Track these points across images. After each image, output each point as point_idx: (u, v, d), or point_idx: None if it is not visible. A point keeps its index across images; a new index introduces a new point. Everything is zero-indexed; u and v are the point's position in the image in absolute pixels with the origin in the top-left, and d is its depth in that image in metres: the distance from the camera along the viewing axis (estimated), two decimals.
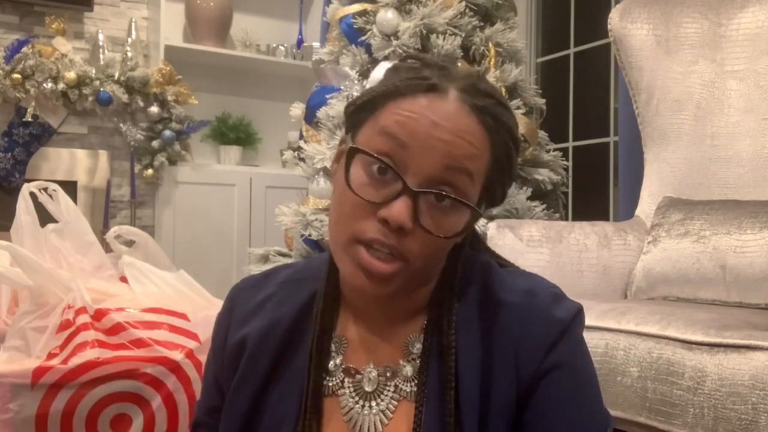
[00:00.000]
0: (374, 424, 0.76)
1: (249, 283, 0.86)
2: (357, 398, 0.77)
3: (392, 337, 0.78)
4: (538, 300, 0.75)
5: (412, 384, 0.76)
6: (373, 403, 0.76)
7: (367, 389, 0.77)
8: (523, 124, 2.37)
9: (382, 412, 0.76)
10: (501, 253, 0.88)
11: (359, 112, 0.75)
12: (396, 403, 0.76)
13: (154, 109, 3.47)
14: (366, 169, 0.70)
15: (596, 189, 3.11)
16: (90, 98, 3.33)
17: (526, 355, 0.72)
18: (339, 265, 0.73)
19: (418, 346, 0.76)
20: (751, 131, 1.87)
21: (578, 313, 0.76)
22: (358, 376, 0.77)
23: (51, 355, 1.31)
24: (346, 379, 0.78)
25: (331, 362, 0.78)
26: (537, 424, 0.72)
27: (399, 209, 0.68)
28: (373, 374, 0.77)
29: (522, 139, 2.38)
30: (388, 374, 0.77)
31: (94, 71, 3.36)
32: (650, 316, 1.34)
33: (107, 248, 1.76)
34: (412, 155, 0.69)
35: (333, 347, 0.79)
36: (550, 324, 0.73)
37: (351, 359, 0.78)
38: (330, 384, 0.78)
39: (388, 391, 0.76)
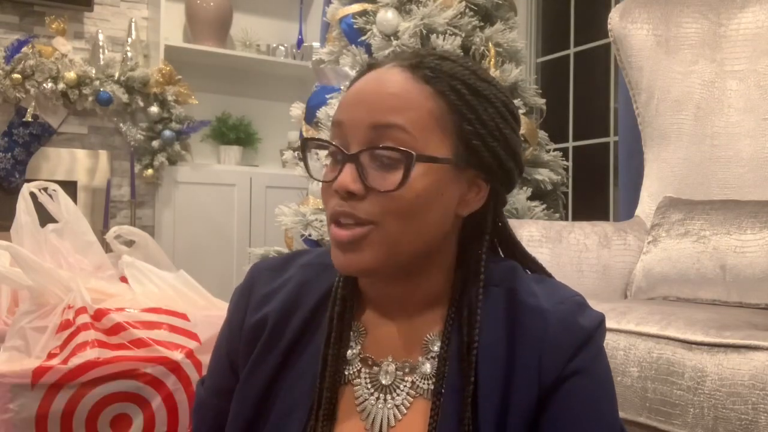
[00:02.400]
0: (387, 419, 0.75)
1: (270, 265, 0.86)
2: (372, 390, 0.77)
3: (411, 330, 0.77)
4: (563, 307, 0.75)
5: (430, 382, 0.75)
6: (389, 397, 0.76)
7: (383, 382, 0.76)
8: (523, 124, 2.37)
9: (397, 407, 0.76)
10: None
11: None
12: (411, 399, 0.76)
13: (154, 109, 3.47)
14: (329, 159, 0.75)
15: (596, 189, 3.10)
16: (90, 98, 3.33)
17: (549, 361, 0.72)
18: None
19: (438, 344, 0.76)
20: (751, 131, 1.87)
21: (601, 322, 0.77)
22: (375, 368, 0.77)
23: (51, 355, 1.31)
24: (362, 369, 0.78)
25: (349, 351, 0.78)
26: (553, 429, 0.72)
27: (342, 176, 0.71)
28: (391, 368, 0.77)
29: (522, 139, 2.38)
30: (406, 369, 0.76)
31: (94, 71, 3.36)
32: (650, 316, 1.34)
33: (107, 248, 1.76)
34: (347, 129, 0.72)
35: (352, 335, 0.79)
36: (574, 332, 0.74)
37: (369, 349, 0.78)
38: (346, 372, 0.78)
39: (405, 386, 0.76)
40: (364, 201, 0.70)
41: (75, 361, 1.28)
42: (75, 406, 1.27)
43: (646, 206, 2.03)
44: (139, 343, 1.33)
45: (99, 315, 1.35)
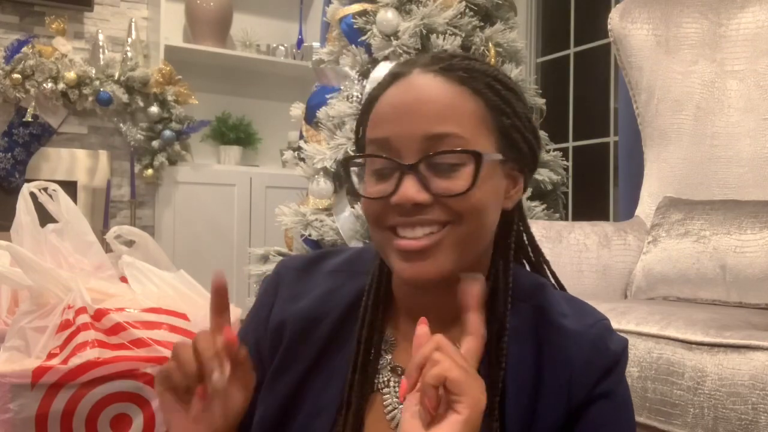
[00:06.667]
0: None
1: (297, 264, 0.85)
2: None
3: None
4: (594, 331, 0.76)
5: None
6: None
7: None
8: None
9: None
10: None
11: (360, 138, 0.78)
12: None
13: (154, 109, 3.47)
14: (372, 175, 0.73)
15: (596, 189, 3.11)
16: (90, 98, 3.34)
17: (579, 382, 0.74)
18: (392, 267, 0.74)
19: None
20: (751, 131, 1.87)
21: (626, 347, 0.78)
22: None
23: (51, 355, 1.31)
24: (392, 378, 0.78)
25: (380, 360, 0.78)
26: None
27: (404, 188, 0.69)
28: None
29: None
30: None
31: (94, 71, 3.36)
32: (650, 316, 1.34)
33: (107, 248, 1.76)
34: (397, 142, 0.71)
35: (383, 345, 0.79)
36: (605, 355, 0.75)
37: (399, 359, 0.78)
38: (376, 381, 0.78)
39: None
40: (429, 210, 0.70)
41: (75, 361, 1.28)
42: (75, 406, 1.27)
43: (646, 206, 2.03)
44: (139, 343, 1.33)
45: (99, 315, 1.35)
